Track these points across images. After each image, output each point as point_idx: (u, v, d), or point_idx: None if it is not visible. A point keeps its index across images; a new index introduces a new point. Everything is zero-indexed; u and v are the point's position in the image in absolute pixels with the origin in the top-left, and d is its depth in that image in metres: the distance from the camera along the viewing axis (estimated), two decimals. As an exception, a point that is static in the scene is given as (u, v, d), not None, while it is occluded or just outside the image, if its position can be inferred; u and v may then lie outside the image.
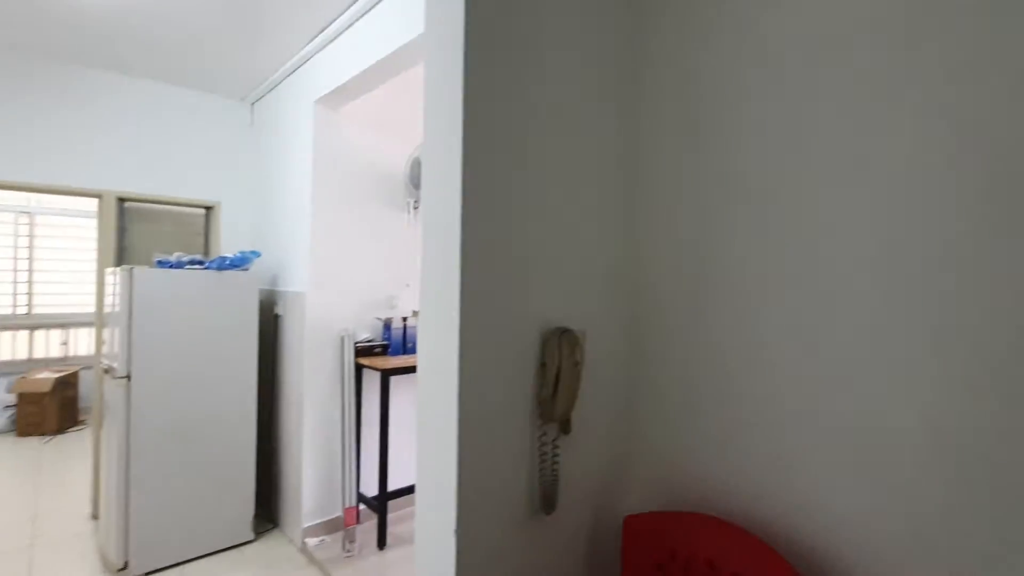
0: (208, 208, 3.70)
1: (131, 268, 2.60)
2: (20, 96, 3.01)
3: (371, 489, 3.01)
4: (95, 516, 3.26)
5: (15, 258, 5.37)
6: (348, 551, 2.74)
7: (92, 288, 3.31)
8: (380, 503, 2.82)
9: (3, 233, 5.32)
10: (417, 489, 1.19)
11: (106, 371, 2.80)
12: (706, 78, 1.36)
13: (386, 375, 2.81)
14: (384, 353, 3.10)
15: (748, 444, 1.24)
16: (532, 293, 1.23)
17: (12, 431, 4.95)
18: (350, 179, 3.10)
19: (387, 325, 3.15)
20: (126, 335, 2.58)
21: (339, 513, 3.00)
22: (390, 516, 2.94)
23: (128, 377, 2.59)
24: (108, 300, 2.91)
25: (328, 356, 2.98)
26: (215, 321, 2.84)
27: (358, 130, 3.13)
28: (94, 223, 3.42)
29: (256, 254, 3.08)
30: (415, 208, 3.37)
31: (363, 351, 3.03)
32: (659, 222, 1.45)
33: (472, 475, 1.10)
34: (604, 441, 1.44)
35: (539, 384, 1.23)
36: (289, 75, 3.20)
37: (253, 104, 3.75)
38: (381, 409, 2.81)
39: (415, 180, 3.23)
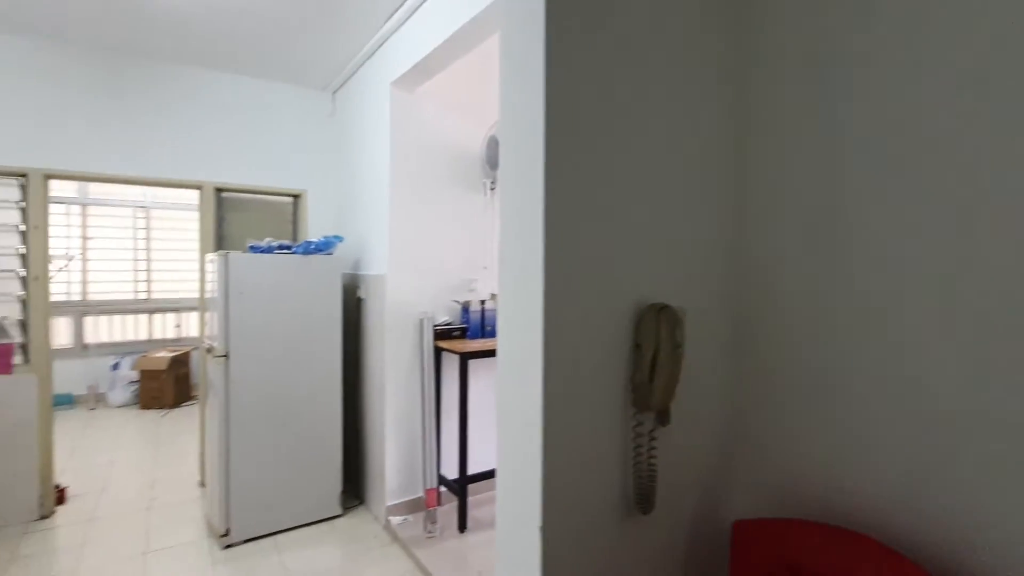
0: (295, 196, 3.85)
1: (227, 253, 2.73)
2: (130, 96, 3.25)
3: (452, 472, 3.01)
4: (203, 484, 3.53)
5: (135, 248, 5.94)
6: (430, 532, 2.76)
7: (199, 275, 3.54)
8: (460, 486, 2.81)
9: (124, 226, 5.89)
10: (498, 481, 1.11)
11: (208, 350, 2.98)
12: (833, 36, 1.14)
13: (465, 358, 2.77)
14: (463, 336, 3.07)
15: (887, 447, 1.04)
16: (623, 266, 1.10)
17: (136, 404, 5.50)
18: (427, 161, 3.08)
19: (465, 308, 3.11)
20: (223, 315, 2.72)
21: (421, 494, 3.03)
22: (470, 500, 2.92)
23: (226, 356, 2.73)
24: (209, 284, 3.09)
25: (408, 339, 3.00)
26: (302, 304, 2.94)
27: (434, 111, 3.09)
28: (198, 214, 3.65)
29: (339, 238, 3.15)
30: (492, 189, 3.30)
31: (442, 334, 3.01)
32: (777, 191, 1.25)
33: (558, 467, 1.00)
34: (706, 436, 1.28)
35: (633, 368, 1.10)
36: (366, 60, 3.21)
37: (334, 93, 3.83)
38: (460, 392, 2.79)
39: (491, 160, 3.15)
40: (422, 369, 2.94)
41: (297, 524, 2.94)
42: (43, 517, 3.06)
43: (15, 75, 2.95)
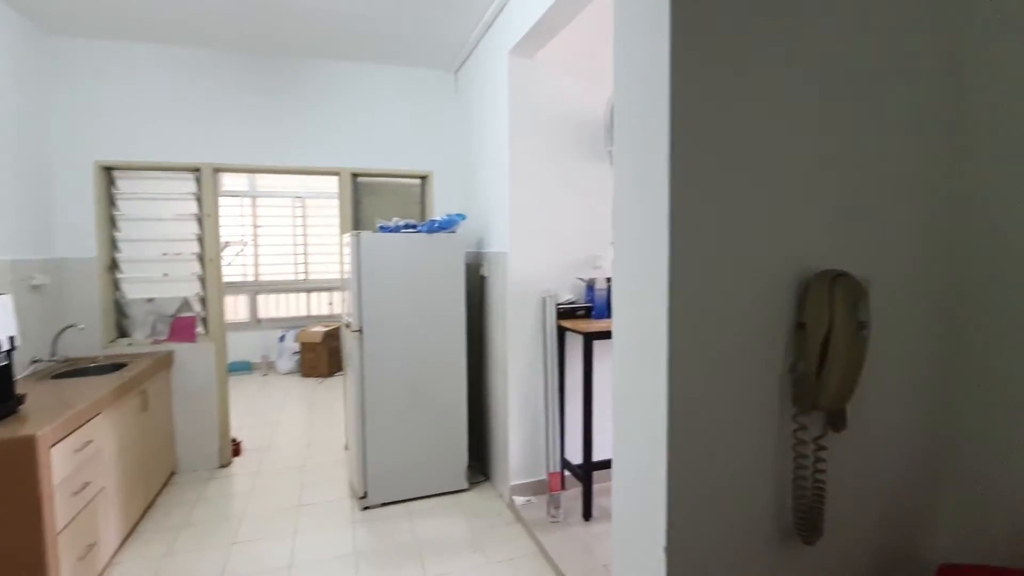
0: (422, 178, 3.94)
1: (358, 233, 2.85)
2: (275, 93, 3.54)
3: (576, 456, 2.88)
4: (347, 447, 3.83)
5: (294, 235, 6.65)
6: (553, 517, 2.67)
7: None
8: (585, 473, 2.67)
9: (284, 215, 6.61)
10: (615, 487, 0.93)
11: (346, 325, 3.18)
12: None
13: (589, 339, 2.60)
14: (587, 316, 2.90)
15: None
16: (781, 221, 0.84)
17: (298, 372, 6.21)
18: (547, 131, 2.92)
19: (590, 286, 2.93)
20: (356, 292, 2.85)
21: (544, 476, 2.95)
22: (596, 487, 2.77)
23: (360, 331, 2.87)
24: (346, 264, 3.28)
25: (530, 318, 2.90)
26: (428, 281, 2.98)
27: (553, 78, 2.91)
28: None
29: (461, 216, 3.14)
30: (617, 157, 3.04)
31: (565, 313, 2.87)
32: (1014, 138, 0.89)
33: (689, 478, 0.80)
34: (899, 451, 0.98)
35: (795, 355, 0.85)
36: (485, 32, 3.12)
37: (456, 72, 3.82)
38: (584, 374, 2.63)
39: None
40: (545, 349, 2.84)
41: (426, 494, 3.04)
42: (222, 466, 3.55)
43: (186, 81, 3.35)
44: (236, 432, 4.17)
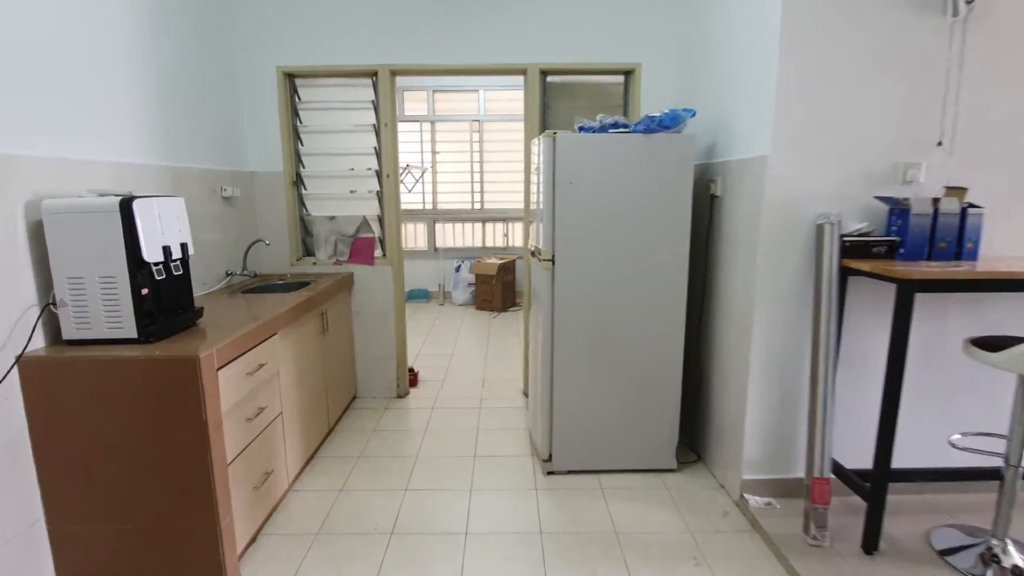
0: (627, 73, 3.10)
1: (554, 133, 2.19)
2: (461, -31, 2.95)
3: (852, 458, 2.02)
4: (525, 393, 3.40)
5: (471, 161, 6.31)
6: (816, 539, 1.87)
7: (523, 187, 3.25)
8: (874, 487, 1.79)
9: (462, 140, 6.27)
10: None
11: (532, 253, 2.61)
12: None
13: (908, 289, 1.65)
14: (890, 254, 1.91)
15: None
16: None
17: (472, 304, 6.03)
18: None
19: (897, 210, 1.91)
20: (549, 209, 2.23)
21: (793, 475, 2.13)
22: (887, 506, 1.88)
23: (552, 260, 2.27)
24: (533, 177, 2.67)
25: (792, 254, 2.01)
26: (642, 199, 2.24)
27: None
28: (522, 125, 3.29)
29: (690, 112, 2.28)
30: (968, 2, 1.87)
31: (854, 249, 1.91)
32: None
33: None
34: None
35: None
36: None
37: (684, -83, 2.82)
38: (893, 343, 1.70)
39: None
40: (818, 300, 1.93)
41: (623, 468, 2.45)
42: (399, 396, 3.37)
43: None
44: (413, 360, 4.03)
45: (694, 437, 2.63)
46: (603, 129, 2.29)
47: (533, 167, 2.57)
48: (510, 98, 6.15)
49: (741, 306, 2.16)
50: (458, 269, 6.15)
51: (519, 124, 6.01)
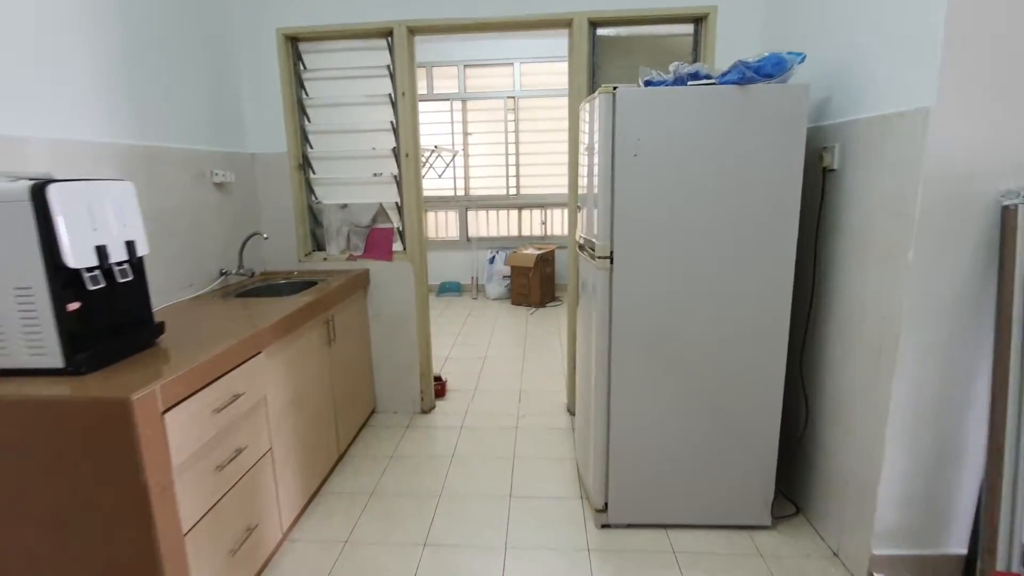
0: (697, 20, 2.50)
1: (613, 88, 1.65)
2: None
3: (1038, 535, 1.42)
4: (570, 410, 2.89)
5: (505, 143, 5.77)
6: (1004, 665, 1.30)
7: (566, 170, 2.71)
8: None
9: (495, 119, 5.74)
10: None
11: (582, 247, 2.08)
12: None
13: None
14: (1124, 247, 1.29)
15: None
16: None
17: (507, 298, 5.53)
18: None
19: None
20: (606, 190, 1.69)
21: (947, 551, 1.55)
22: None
23: (610, 258, 1.74)
24: (583, 150, 2.13)
25: (963, 249, 1.41)
26: (729, 176, 1.67)
27: None
28: (566, 103, 2.73)
29: (798, 55, 1.69)
30: None
31: (1064, 239, 1.30)
32: None
33: None
34: None
35: None
36: None
37: None
38: None
39: None
40: (1006, 314, 1.34)
41: (700, 523, 1.91)
42: (423, 412, 2.91)
43: None
44: (441, 366, 3.58)
45: (790, 482, 2.06)
46: (679, 82, 1.73)
47: (582, 142, 2.03)
48: (549, 71, 5.56)
49: (876, 322, 1.57)
50: (492, 260, 5.66)
51: (559, 100, 5.43)
